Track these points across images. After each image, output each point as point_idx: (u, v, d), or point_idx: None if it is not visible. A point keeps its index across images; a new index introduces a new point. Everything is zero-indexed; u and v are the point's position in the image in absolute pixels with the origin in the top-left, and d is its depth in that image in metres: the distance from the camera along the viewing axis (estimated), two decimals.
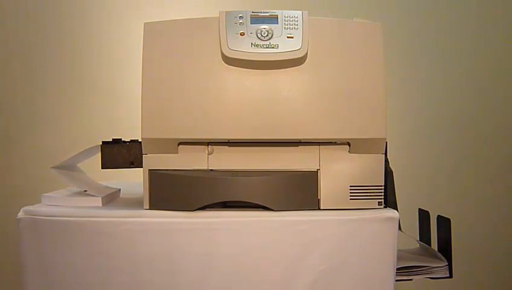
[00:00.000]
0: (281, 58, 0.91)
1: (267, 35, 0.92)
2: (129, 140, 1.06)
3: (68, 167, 1.11)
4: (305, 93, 0.93)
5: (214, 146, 0.97)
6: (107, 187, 1.13)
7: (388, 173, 0.99)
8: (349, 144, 0.97)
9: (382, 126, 0.94)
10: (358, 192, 0.97)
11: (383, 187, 0.98)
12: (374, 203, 0.97)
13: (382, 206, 0.97)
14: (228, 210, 0.96)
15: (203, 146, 0.97)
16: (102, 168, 1.04)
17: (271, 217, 0.94)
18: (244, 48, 0.91)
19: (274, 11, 0.93)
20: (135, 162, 1.02)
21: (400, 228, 0.99)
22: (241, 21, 0.92)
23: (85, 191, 1.05)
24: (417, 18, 1.92)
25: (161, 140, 0.94)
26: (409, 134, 1.88)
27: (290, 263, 0.93)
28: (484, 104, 1.92)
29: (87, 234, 0.93)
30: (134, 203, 1.02)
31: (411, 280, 1.02)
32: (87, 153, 1.08)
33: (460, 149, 1.91)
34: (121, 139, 1.06)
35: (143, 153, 0.96)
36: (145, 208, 0.96)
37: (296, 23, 0.92)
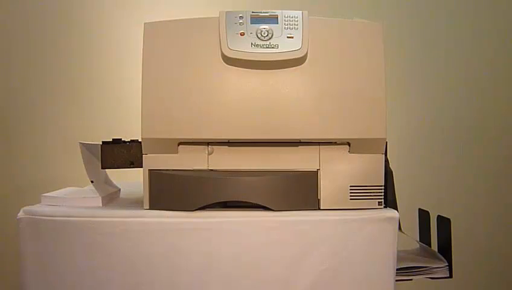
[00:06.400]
0: (281, 58, 0.91)
1: (267, 35, 0.92)
2: (129, 140, 1.06)
3: (93, 152, 1.09)
4: (305, 93, 0.93)
5: (214, 146, 0.97)
6: (110, 187, 1.13)
7: (388, 173, 0.99)
8: (349, 144, 0.97)
9: (382, 126, 0.94)
10: (358, 192, 0.97)
11: (383, 187, 0.98)
12: (374, 203, 0.97)
13: (382, 206, 0.97)
14: (228, 210, 0.96)
15: (203, 146, 0.97)
16: (102, 168, 1.04)
17: (271, 217, 0.94)
18: (244, 48, 0.91)
19: (274, 11, 0.93)
20: (135, 162, 1.02)
21: (400, 228, 0.99)
22: (241, 21, 0.92)
23: (92, 181, 1.04)
24: (417, 18, 1.92)
25: (161, 140, 0.94)
26: (409, 134, 1.87)
27: (290, 263, 0.93)
28: (484, 104, 1.92)
29: (87, 234, 0.93)
30: (134, 203, 1.02)
31: (411, 280, 1.02)
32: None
33: (461, 149, 1.91)
34: (121, 139, 1.06)
35: (143, 153, 0.96)
36: (145, 208, 0.96)
37: (296, 23, 0.92)
